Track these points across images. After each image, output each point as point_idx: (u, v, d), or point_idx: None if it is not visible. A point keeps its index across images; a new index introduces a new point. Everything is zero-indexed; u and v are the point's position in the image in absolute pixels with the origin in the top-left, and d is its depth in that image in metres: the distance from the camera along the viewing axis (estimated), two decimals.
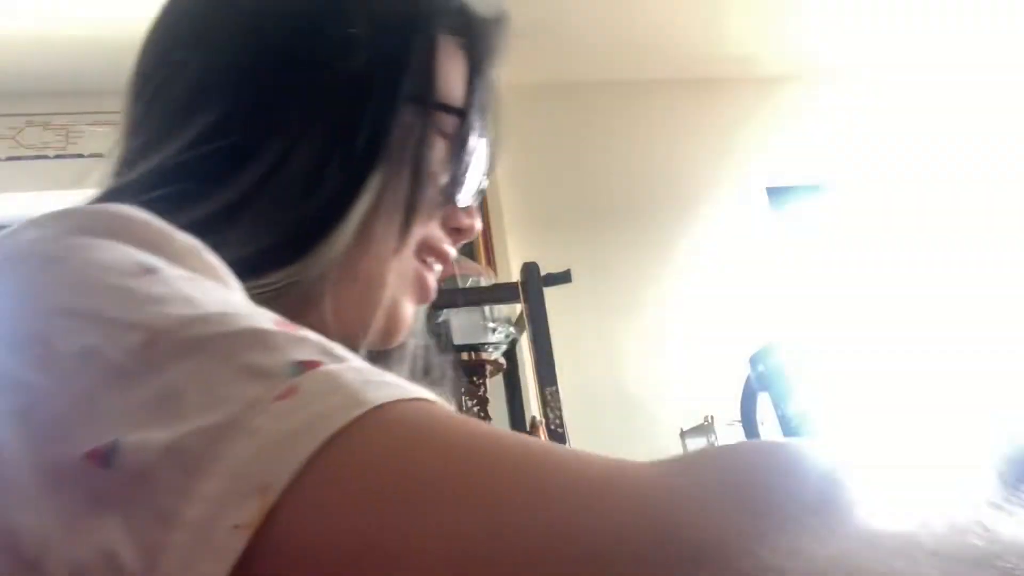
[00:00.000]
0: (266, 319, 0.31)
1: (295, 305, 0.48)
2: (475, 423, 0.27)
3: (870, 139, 2.66)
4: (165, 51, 0.53)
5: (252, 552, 0.24)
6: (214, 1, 0.53)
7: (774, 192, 2.64)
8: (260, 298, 0.44)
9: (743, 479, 0.24)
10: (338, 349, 0.30)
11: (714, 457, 0.26)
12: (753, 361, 1.21)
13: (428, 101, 0.52)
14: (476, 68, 0.55)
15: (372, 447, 0.26)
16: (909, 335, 2.31)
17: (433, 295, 0.59)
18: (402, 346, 0.62)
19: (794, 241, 2.61)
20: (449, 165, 0.54)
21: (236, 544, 0.24)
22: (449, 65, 0.54)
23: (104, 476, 0.26)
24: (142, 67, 0.53)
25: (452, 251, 0.59)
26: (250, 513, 0.24)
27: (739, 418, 1.38)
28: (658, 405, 2.22)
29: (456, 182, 0.55)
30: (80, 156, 2.31)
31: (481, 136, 0.56)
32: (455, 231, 0.58)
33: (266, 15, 0.52)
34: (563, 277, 1.80)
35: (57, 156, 2.32)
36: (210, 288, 0.33)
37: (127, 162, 0.49)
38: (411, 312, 0.57)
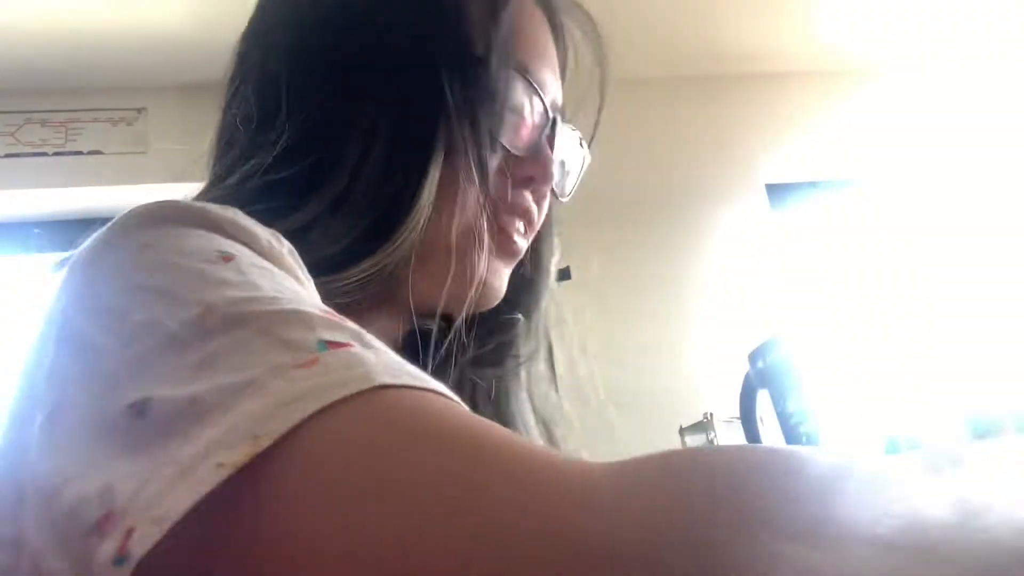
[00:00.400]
0: (314, 307, 0.33)
1: (384, 289, 0.51)
2: (480, 423, 0.28)
3: (873, 137, 2.66)
4: (244, 62, 0.57)
5: (237, 491, 0.26)
6: (285, 14, 0.57)
7: (774, 189, 2.64)
8: (350, 288, 0.48)
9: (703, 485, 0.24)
10: (375, 342, 0.32)
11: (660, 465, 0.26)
12: (753, 358, 1.21)
13: (454, 57, 0.53)
14: (493, 9, 0.55)
15: (369, 419, 0.27)
16: (909, 332, 2.31)
17: (520, 252, 0.59)
18: (515, 321, 0.63)
19: (795, 238, 2.61)
20: (491, 115, 0.54)
21: (212, 479, 0.26)
22: (471, 9, 0.55)
23: (137, 425, 0.28)
24: (229, 77, 0.58)
25: (532, 205, 0.59)
26: (237, 455, 0.26)
27: (739, 415, 1.38)
28: (657, 401, 2.23)
29: (498, 128, 0.54)
30: (79, 153, 2.31)
31: (514, 80, 0.56)
32: (527, 182, 0.58)
33: (318, 21, 0.55)
34: (563, 274, 1.80)
35: (56, 153, 2.31)
36: (280, 277, 0.36)
37: (219, 175, 0.53)
38: (502, 272, 0.58)
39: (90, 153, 2.31)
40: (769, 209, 2.60)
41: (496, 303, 0.59)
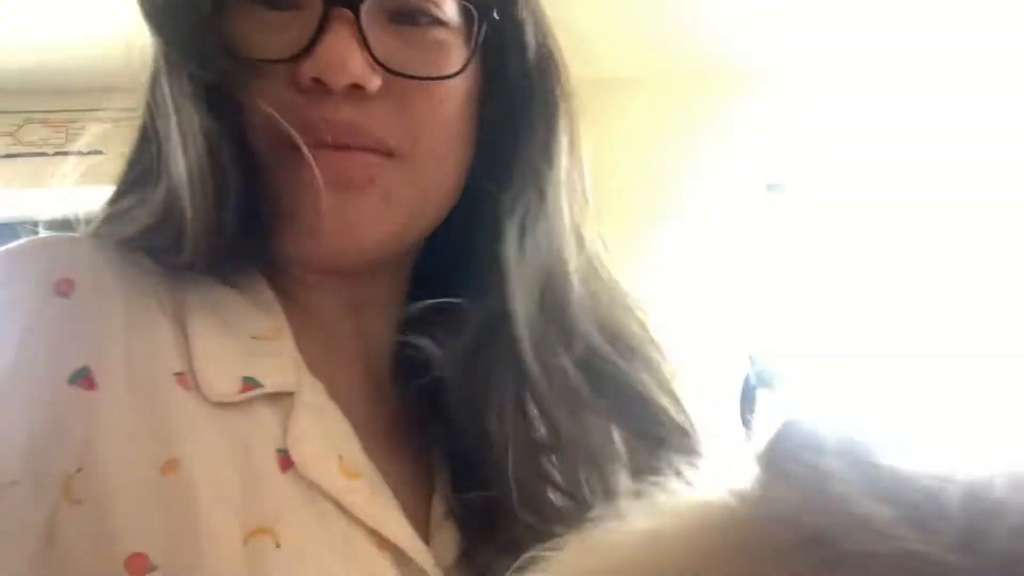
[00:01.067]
0: None
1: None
2: None
3: (870, 135, 2.66)
4: None
5: None
6: None
7: (774, 187, 2.64)
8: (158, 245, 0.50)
9: None
10: None
11: None
12: (752, 359, 1.21)
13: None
14: None
15: None
16: (906, 327, 2.31)
17: (340, 174, 0.49)
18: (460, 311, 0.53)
19: (793, 237, 2.61)
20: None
21: None
22: None
23: None
24: None
25: (325, 113, 0.48)
26: None
27: (738, 415, 1.38)
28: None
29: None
30: (80, 154, 2.31)
31: None
32: (303, 89, 0.48)
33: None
34: None
35: (56, 153, 2.31)
36: None
37: None
38: (335, 205, 0.49)
39: (91, 153, 2.31)
40: (768, 207, 2.60)
41: (366, 249, 0.51)
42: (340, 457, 0.49)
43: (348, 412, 0.51)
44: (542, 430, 0.53)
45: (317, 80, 0.48)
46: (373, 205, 0.50)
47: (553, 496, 0.52)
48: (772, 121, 2.65)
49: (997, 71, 2.66)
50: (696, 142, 2.60)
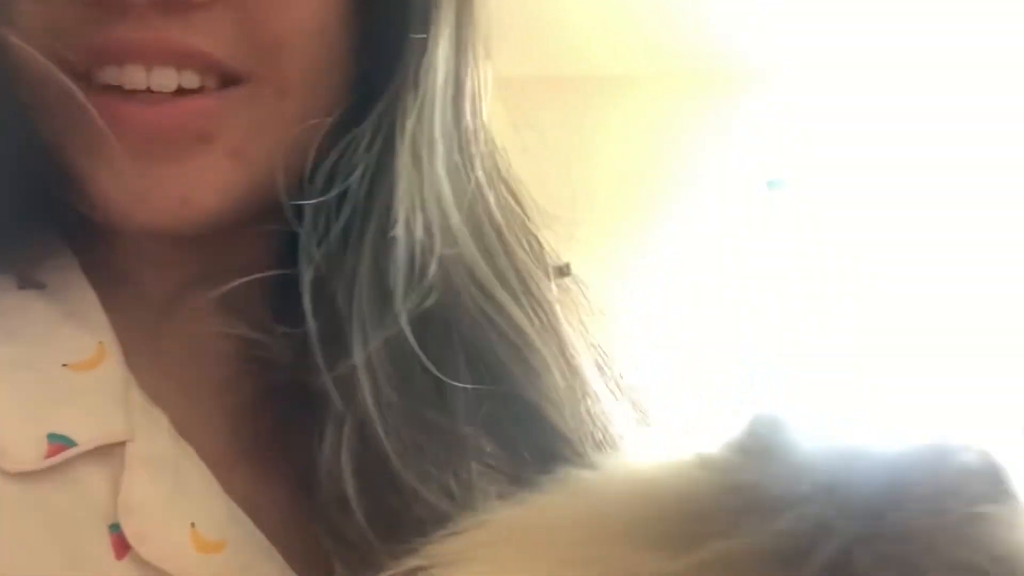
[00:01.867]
0: None
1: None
2: None
3: (870, 134, 2.66)
4: None
5: None
6: None
7: (774, 186, 2.64)
8: None
9: None
10: None
11: None
12: (750, 360, 1.22)
13: None
14: None
15: None
16: (905, 326, 2.31)
17: (163, 131, 0.34)
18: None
19: (792, 236, 2.61)
20: None
21: None
22: None
23: None
24: None
25: (121, 28, 0.33)
26: None
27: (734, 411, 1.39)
28: (657, 397, 2.22)
29: None
30: None
31: None
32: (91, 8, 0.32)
33: None
34: (562, 271, 1.79)
35: None
36: None
37: None
38: (156, 180, 0.35)
39: None
40: (768, 206, 2.61)
41: (202, 216, 0.36)
42: (192, 525, 0.36)
43: (208, 439, 0.39)
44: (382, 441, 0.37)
45: None
46: (212, 166, 0.35)
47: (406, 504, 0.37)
48: (772, 120, 2.65)
49: (997, 71, 2.66)
50: (696, 141, 2.60)
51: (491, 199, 0.42)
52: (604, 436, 0.42)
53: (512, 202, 0.45)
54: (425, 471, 0.38)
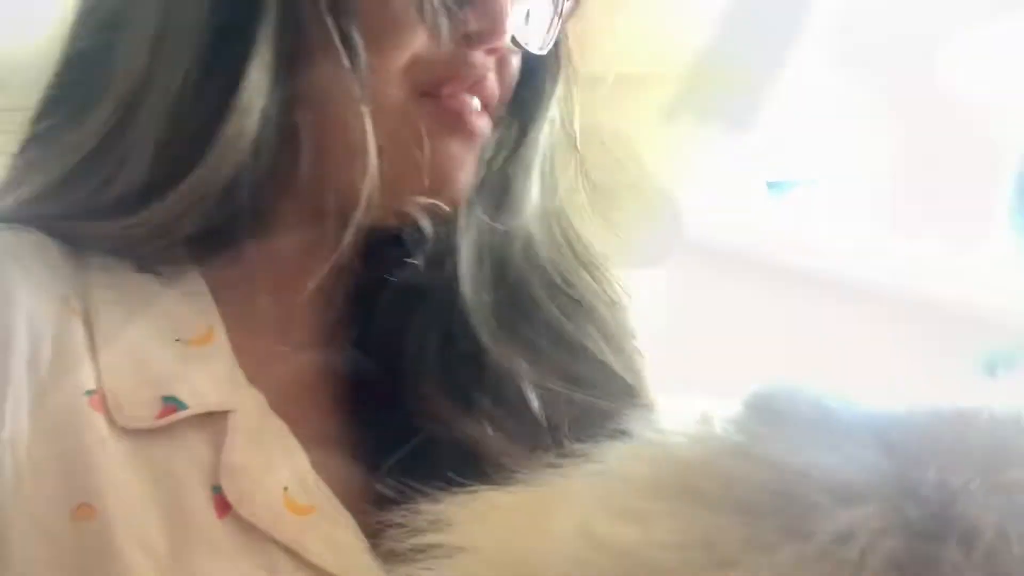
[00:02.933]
0: None
1: (262, 207, 0.43)
2: None
3: (868, 133, 2.65)
4: None
5: None
6: None
7: (774, 185, 2.63)
8: (165, 225, 0.41)
9: None
10: None
11: None
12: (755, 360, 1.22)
13: None
14: None
15: None
16: (903, 325, 2.31)
17: (477, 132, 0.48)
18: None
19: (792, 235, 2.61)
20: None
21: None
22: None
23: None
24: None
25: (484, 70, 0.47)
26: None
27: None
28: (657, 397, 2.23)
29: None
30: None
31: None
32: (464, 40, 0.46)
33: None
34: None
35: None
36: None
37: None
38: (458, 157, 0.47)
39: None
40: (769, 205, 2.60)
41: (460, 197, 0.49)
42: (286, 490, 0.41)
43: (299, 417, 0.44)
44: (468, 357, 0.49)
45: (471, 34, 0.45)
46: (473, 161, 0.50)
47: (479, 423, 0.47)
48: (772, 119, 2.65)
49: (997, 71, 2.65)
50: (695, 139, 2.60)
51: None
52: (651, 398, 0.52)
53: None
54: (511, 356, 0.47)
